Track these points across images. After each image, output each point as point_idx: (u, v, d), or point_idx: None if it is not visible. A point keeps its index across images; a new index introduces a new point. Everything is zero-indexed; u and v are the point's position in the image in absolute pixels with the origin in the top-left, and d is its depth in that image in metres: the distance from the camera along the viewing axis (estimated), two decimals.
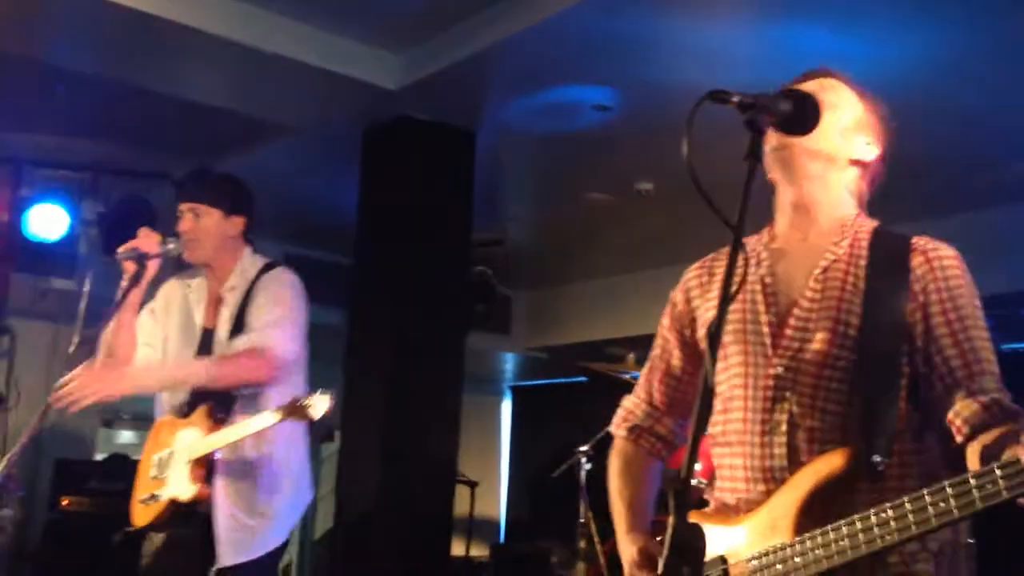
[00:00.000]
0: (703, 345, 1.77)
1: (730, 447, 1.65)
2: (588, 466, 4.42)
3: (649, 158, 5.04)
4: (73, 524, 5.47)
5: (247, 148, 5.35)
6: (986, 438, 1.42)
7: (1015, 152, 4.91)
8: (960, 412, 1.50)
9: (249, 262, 2.89)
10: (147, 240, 2.76)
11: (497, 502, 9.55)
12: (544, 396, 9.59)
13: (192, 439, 2.67)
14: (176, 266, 2.95)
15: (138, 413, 2.91)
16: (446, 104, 4.69)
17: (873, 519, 1.35)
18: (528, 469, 9.21)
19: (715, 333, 1.29)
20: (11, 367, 5.39)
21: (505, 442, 9.92)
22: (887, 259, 1.62)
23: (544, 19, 3.88)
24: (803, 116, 1.45)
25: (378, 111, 4.76)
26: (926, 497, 1.30)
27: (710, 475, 1.77)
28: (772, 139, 1.65)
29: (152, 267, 2.78)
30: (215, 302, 2.86)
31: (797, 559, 1.43)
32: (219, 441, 2.63)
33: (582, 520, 4.39)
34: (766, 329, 1.64)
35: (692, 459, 1.23)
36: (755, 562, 1.50)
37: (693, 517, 1.61)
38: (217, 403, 2.68)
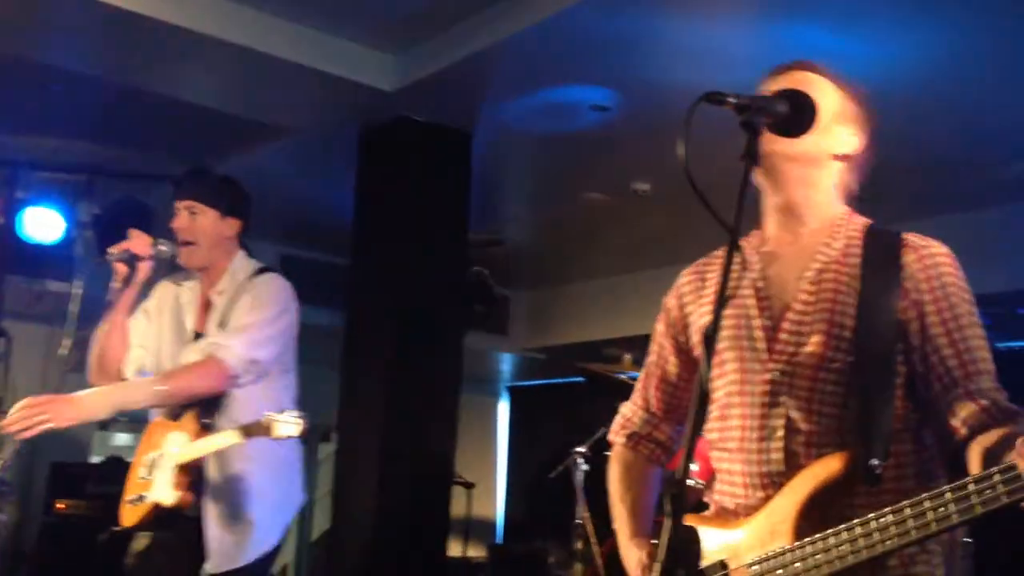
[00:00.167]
0: (697, 351, 1.76)
1: (728, 453, 1.65)
2: (585, 467, 4.41)
3: (647, 158, 5.04)
4: (69, 527, 5.45)
5: (244, 149, 5.34)
6: (986, 440, 1.42)
7: (1013, 152, 4.92)
8: (958, 413, 1.49)
9: (241, 266, 2.86)
10: (138, 241, 2.75)
11: (494, 502, 9.54)
12: (542, 397, 9.58)
13: (180, 443, 2.67)
14: (171, 267, 2.94)
15: (134, 416, 2.89)
16: (443, 105, 4.68)
17: (873, 524, 1.35)
18: (525, 469, 9.21)
19: (711, 335, 1.29)
20: (7, 370, 5.37)
21: (502, 442, 9.92)
22: (880, 258, 1.60)
23: (542, 19, 3.87)
24: (800, 117, 1.45)
25: (375, 112, 4.76)
26: (926, 502, 1.30)
27: (709, 476, 1.76)
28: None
29: (144, 269, 2.77)
30: (205, 305, 2.84)
31: (797, 564, 1.43)
32: (198, 451, 2.62)
33: (579, 521, 4.37)
34: (760, 334, 1.63)
35: (687, 462, 1.23)
36: (756, 567, 1.49)
37: (693, 521, 1.62)
38: (204, 406, 2.67)
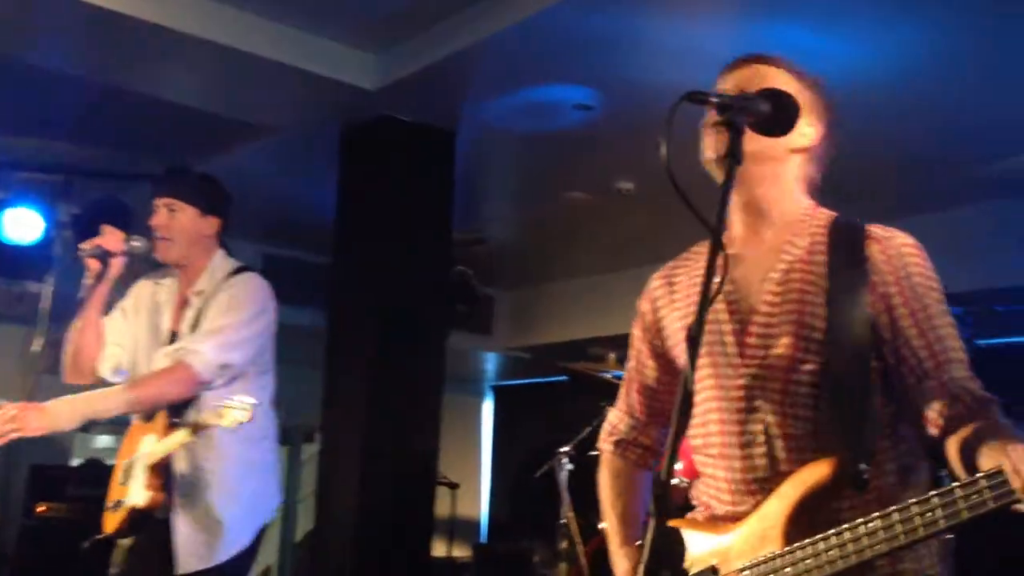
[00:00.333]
0: (673, 354, 1.76)
1: (712, 459, 1.65)
2: (570, 466, 4.41)
3: (630, 157, 5.04)
4: (49, 530, 5.40)
5: (225, 149, 5.31)
6: (964, 432, 1.41)
7: (989, 150, 4.95)
8: (933, 405, 1.48)
9: (219, 265, 2.84)
10: (110, 237, 2.71)
11: (479, 502, 9.54)
12: (526, 396, 9.58)
13: (150, 445, 2.66)
14: (153, 266, 2.92)
15: (116, 417, 2.87)
16: (426, 104, 4.67)
17: (862, 529, 1.36)
18: (510, 469, 9.21)
19: (695, 336, 1.28)
20: None
21: (487, 442, 9.91)
22: (846, 253, 1.59)
23: (524, 18, 3.86)
24: (782, 116, 1.45)
25: (357, 111, 4.74)
26: (913, 507, 1.31)
27: (693, 475, 1.77)
28: (708, 149, 1.62)
29: (116, 265, 2.73)
30: (182, 304, 2.83)
31: (788, 569, 1.43)
32: (161, 451, 2.62)
33: (563, 520, 4.38)
34: (730, 338, 1.62)
35: (671, 463, 1.23)
36: (746, 573, 1.49)
37: (684, 525, 1.62)
38: (175, 406, 2.66)
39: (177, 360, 2.65)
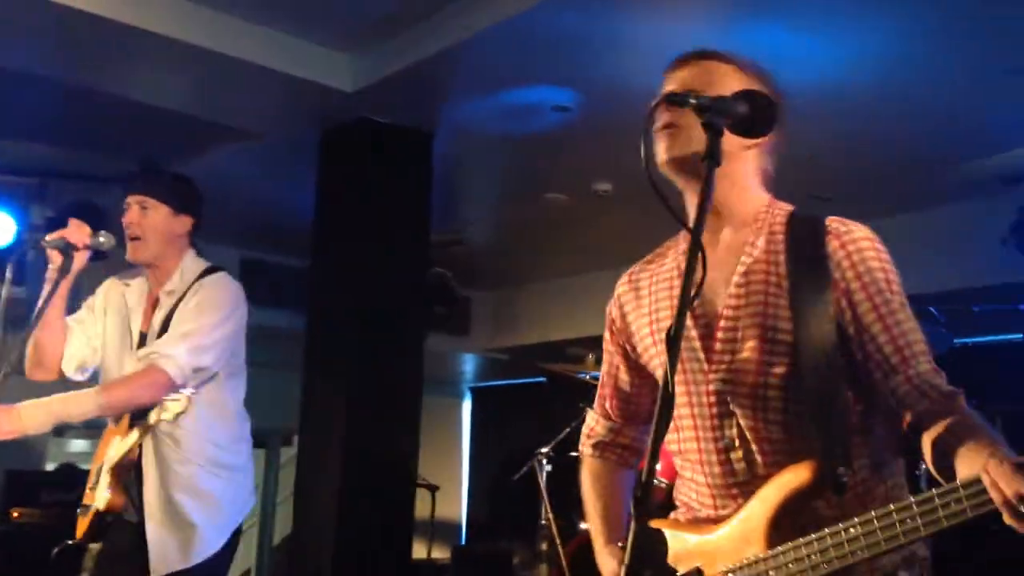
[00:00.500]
0: (644, 359, 1.76)
1: (691, 464, 1.65)
2: (549, 467, 4.41)
3: (608, 159, 5.05)
4: (24, 536, 5.35)
5: (203, 151, 5.28)
6: (937, 430, 1.42)
7: (967, 150, 5.00)
8: (902, 400, 1.48)
9: (190, 265, 2.81)
10: (76, 230, 2.62)
11: (458, 503, 9.53)
12: (504, 397, 9.59)
13: (115, 447, 2.65)
14: (128, 266, 2.88)
15: (90, 421, 2.84)
16: (404, 106, 4.66)
17: (843, 535, 1.37)
18: (489, 470, 9.20)
19: (674, 337, 1.28)
20: None
21: (466, 443, 9.90)
22: (806, 251, 1.57)
23: (502, 20, 3.86)
24: (760, 117, 1.45)
25: (336, 113, 4.72)
26: (894, 514, 1.33)
27: (672, 475, 1.77)
28: (661, 152, 1.60)
29: (79, 259, 2.63)
30: (153, 304, 2.79)
31: (771, 573, 1.44)
32: (118, 452, 2.61)
33: (543, 522, 4.38)
34: (697, 344, 1.60)
35: (652, 463, 1.23)
36: (730, 575, 1.50)
37: (668, 527, 1.62)
38: (136, 410, 2.64)
39: (150, 364, 2.62)
